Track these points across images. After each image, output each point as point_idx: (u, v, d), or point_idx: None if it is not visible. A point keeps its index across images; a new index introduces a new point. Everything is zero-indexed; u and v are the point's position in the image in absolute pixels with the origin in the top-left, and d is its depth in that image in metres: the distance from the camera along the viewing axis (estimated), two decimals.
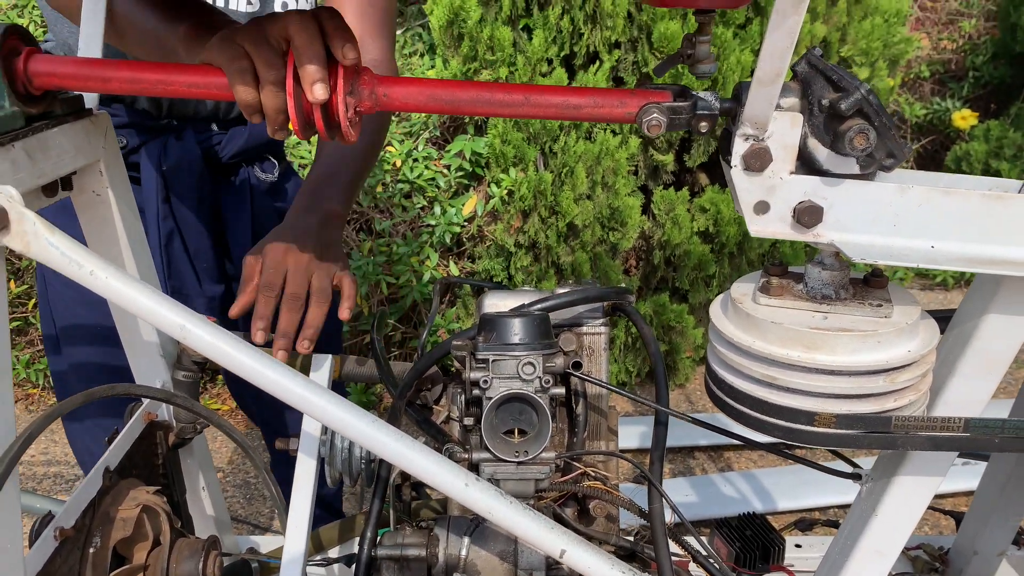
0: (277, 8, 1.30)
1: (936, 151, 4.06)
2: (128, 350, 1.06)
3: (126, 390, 0.90)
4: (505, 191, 2.67)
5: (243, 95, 0.75)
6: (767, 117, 0.73)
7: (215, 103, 1.33)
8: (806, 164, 0.77)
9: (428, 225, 2.73)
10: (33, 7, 2.88)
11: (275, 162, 1.46)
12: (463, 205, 2.73)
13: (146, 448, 1.04)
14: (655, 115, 0.75)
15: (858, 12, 2.78)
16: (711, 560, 0.97)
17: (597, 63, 2.65)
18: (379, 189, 2.71)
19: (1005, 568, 1.26)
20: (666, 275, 2.92)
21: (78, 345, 1.27)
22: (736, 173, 0.76)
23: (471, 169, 2.74)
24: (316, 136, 1.21)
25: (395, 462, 0.74)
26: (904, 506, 0.90)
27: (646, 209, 2.84)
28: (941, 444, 0.79)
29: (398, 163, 2.72)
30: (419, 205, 2.73)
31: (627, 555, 1.02)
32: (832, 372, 0.77)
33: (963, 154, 3.67)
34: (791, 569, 1.30)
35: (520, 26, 2.69)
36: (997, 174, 3.55)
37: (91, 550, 0.88)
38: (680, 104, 0.76)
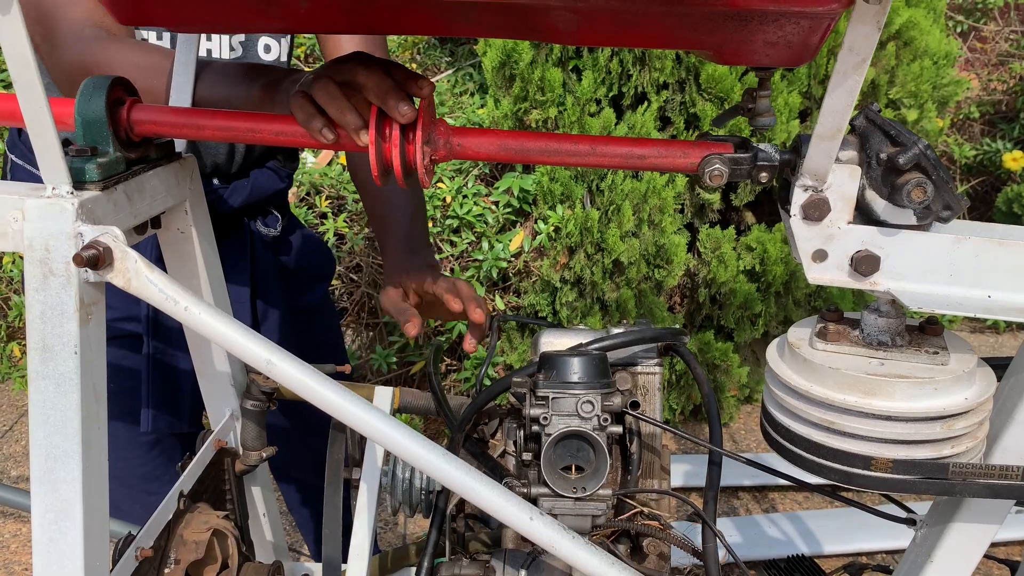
0: (260, 51, 1.28)
1: (987, 192, 4.02)
2: (201, 378, 1.11)
3: None
4: (552, 228, 2.72)
5: (327, 146, 0.80)
6: (826, 170, 0.76)
7: (216, 159, 1.31)
8: (863, 214, 0.79)
9: (476, 260, 2.78)
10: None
11: (278, 216, 1.44)
12: (510, 241, 2.77)
13: (215, 474, 1.09)
14: (717, 166, 0.78)
15: (907, 55, 2.79)
16: None
17: (645, 103, 2.69)
18: (428, 224, 2.77)
19: None
20: (711, 313, 2.92)
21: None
22: (795, 222, 0.79)
23: (519, 206, 2.79)
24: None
25: (462, 493, 0.77)
26: (960, 553, 0.91)
27: (692, 247, 2.86)
28: (999, 492, 0.79)
29: (448, 199, 2.79)
30: (467, 240, 2.79)
31: None
32: (889, 418, 0.78)
33: (1014, 196, 3.62)
34: None
35: (570, 67, 2.75)
36: None
37: (166, 570, 0.92)
38: (741, 155, 0.79)
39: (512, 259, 2.79)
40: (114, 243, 0.73)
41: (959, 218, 0.80)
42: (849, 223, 0.79)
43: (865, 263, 0.79)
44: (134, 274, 0.74)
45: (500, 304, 2.82)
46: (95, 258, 0.72)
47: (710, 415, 1.04)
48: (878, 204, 0.78)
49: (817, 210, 0.78)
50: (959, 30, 4.21)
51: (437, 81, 3.21)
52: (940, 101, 3.10)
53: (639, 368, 1.08)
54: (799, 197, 0.78)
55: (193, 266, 0.99)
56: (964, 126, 4.17)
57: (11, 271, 3.10)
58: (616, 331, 1.06)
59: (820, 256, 0.80)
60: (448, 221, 2.78)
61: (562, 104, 2.69)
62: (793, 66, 0.76)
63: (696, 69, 2.67)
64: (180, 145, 0.97)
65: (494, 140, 0.81)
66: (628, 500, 1.04)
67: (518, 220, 2.84)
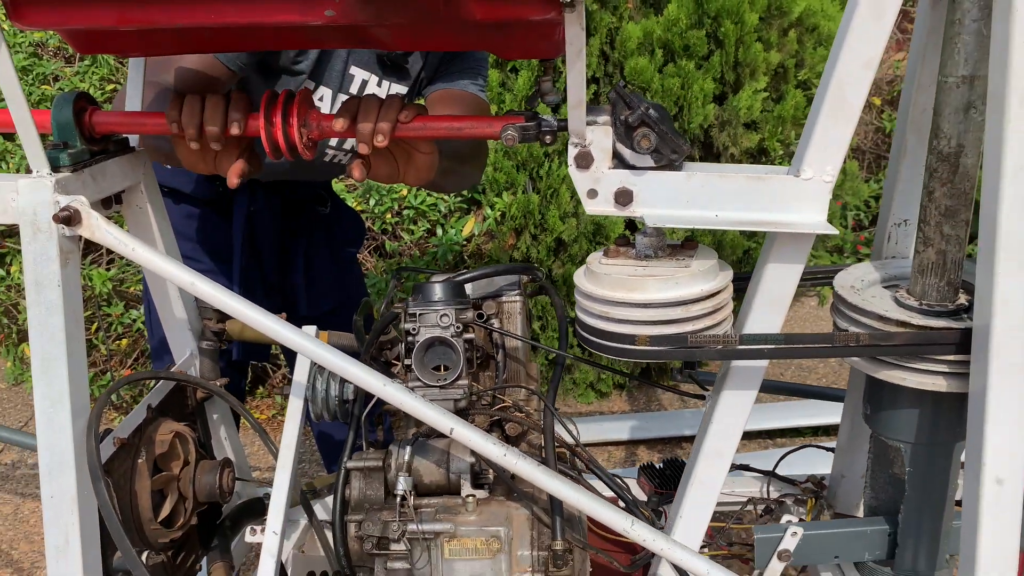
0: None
1: None
2: (165, 325, 1.42)
3: (153, 375, 1.25)
4: (499, 213, 3.02)
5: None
6: (583, 130, 1.06)
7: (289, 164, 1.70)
8: (621, 162, 1.09)
9: (433, 245, 3.09)
10: (93, 72, 3.35)
11: (328, 199, 1.91)
12: (462, 227, 3.09)
13: (179, 398, 1.39)
14: (510, 131, 1.09)
15: (810, 40, 3.08)
16: (593, 461, 1.28)
17: None
18: (388, 216, 3.09)
19: None
20: None
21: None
22: (572, 170, 1.09)
23: (468, 195, 3.10)
24: None
25: (340, 372, 1.07)
26: (731, 413, 1.20)
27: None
28: (727, 354, 1.10)
29: (404, 192, 3.10)
30: (423, 228, 3.10)
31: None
32: (644, 306, 1.09)
33: None
34: None
35: (508, 67, 3.06)
36: None
37: (139, 460, 1.23)
38: (528, 124, 1.09)
39: (465, 243, 3.10)
40: (82, 207, 1.04)
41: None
42: (610, 168, 1.09)
43: (623, 196, 1.09)
44: (96, 228, 1.05)
45: None
46: (68, 218, 1.03)
47: (560, 328, 1.35)
48: (626, 153, 1.08)
49: (584, 160, 1.08)
50: None
51: None
52: None
53: (504, 298, 1.39)
54: (571, 151, 1.08)
55: (150, 232, 1.30)
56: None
57: (19, 279, 3.43)
58: (482, 270, 1.37)
59: (592, 194, 1.10)
60: (406, 212, 3.10)
61: (502, 101, 3.00)
62: (552, 57, 1.06)
63: (620, 63, 2.97)
64: (135, 141, 1.28)
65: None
66: (499, 396, 1.35)
67: (469, 207, 3.15)
